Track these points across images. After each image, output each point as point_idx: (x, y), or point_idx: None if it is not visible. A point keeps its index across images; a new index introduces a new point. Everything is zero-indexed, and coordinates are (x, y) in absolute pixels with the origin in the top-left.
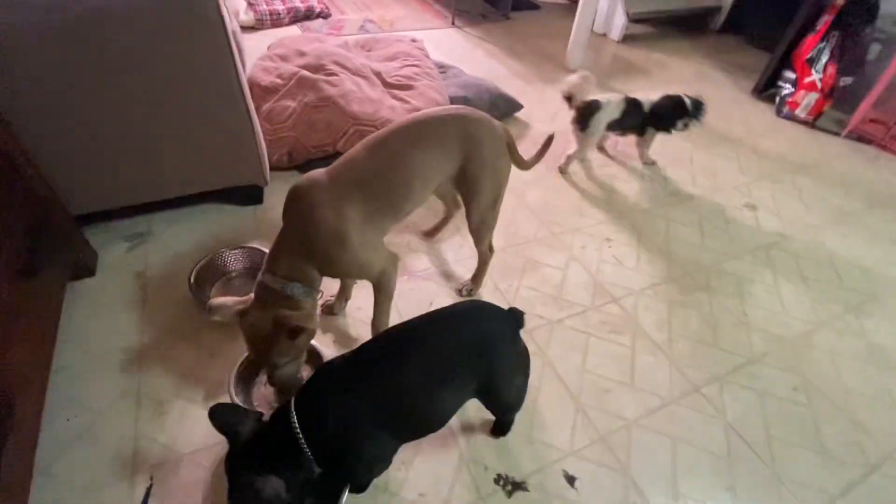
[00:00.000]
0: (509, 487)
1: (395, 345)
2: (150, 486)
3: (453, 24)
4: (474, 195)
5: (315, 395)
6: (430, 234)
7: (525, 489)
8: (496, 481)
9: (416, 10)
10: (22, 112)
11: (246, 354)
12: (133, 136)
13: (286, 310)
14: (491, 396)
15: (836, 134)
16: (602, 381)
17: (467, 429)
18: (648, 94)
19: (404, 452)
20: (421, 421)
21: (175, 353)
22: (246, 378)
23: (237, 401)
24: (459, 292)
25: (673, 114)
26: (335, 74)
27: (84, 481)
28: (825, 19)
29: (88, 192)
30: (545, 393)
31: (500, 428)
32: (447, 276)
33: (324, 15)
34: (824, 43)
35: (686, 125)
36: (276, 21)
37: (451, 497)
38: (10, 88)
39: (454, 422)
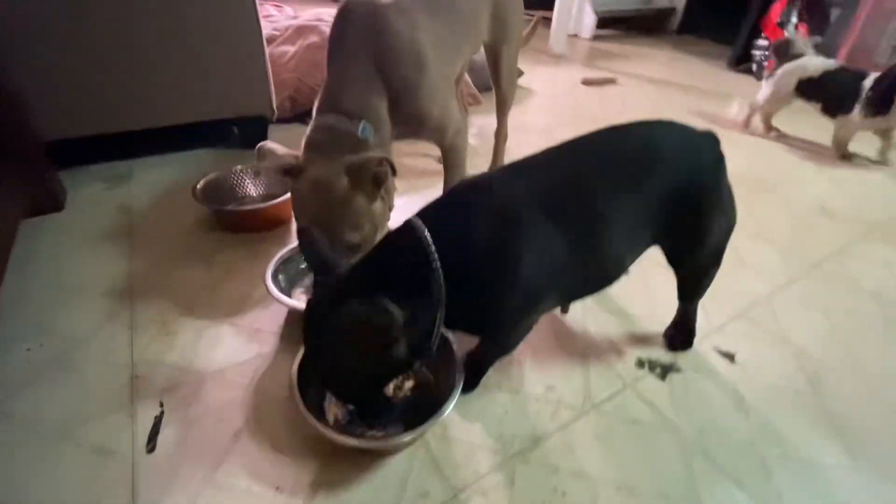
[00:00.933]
0: (658, 370)
1: (564, 147)
2: (161, 413)
3: None
4: (505, 36)
5: (457, 192)
6: None
7: (678, 370)
8: (639, 365)
9: None
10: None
11: (287, 249)
12: (130, 51)
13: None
14: (686, 233)
15: None
16: None
17: (578, 318)
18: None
19: None
20: (602, 243)
21: (180, 275)
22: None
23: (277, 293)
24: None
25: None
26: None
27: (56, 418)
28: None
29: (65, 112)
30: (656, 277)
31: (683, 324)
32: None
33: None
34: (790, 6)
35: None
36: None
37: (591, 386)
38: None
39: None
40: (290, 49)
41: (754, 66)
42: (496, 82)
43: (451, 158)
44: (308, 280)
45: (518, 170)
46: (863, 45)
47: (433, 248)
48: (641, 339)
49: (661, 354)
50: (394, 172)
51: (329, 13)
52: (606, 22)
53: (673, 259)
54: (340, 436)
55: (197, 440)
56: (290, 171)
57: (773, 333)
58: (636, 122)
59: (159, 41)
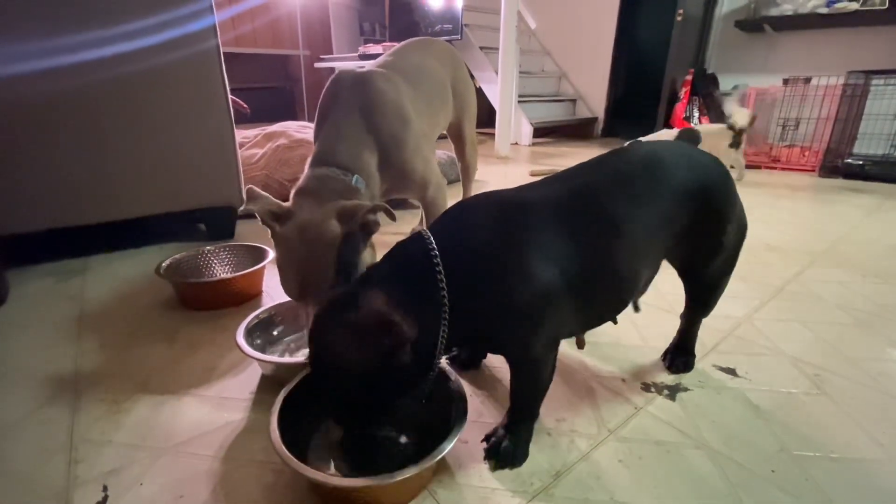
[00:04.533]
0: (666, 392)
1: (572, 169)
2: (104, 498)
3: None
4: (465, 110)
5: (465, 206)
6: None
7: (685, 389)
8: (646, 390)
9: None
10: None
11: (256, 313)
12: (91, 139)
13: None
14: (704, 239)
15: (731, 167)
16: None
17: (574, 355)
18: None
19: None
20: (616, 255)
21: (135, 354)
22: (260, 336)
23: (250, 352)
24: None
25: None
26: (301, 133)
27: None
28: (685, 90)
29: (12, 206)
30: (641, 314)
31: (683, 346)
32: None
33: None
34: (691, 105)
35: None
36: None
37: (602, 414)
38: None
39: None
40: (259, 151)
41: None
42: (461, 154)
43: (432, 213)
44: (283, 345)
45: (526, 186)
46: (757, 128)
47: (436, 252)
48: (641, 368)
49: (664, 377)
50: (392, 217)
51: (296, 124)
52: (541, 132)
53: (690, 270)
54: (334, 477)
55: None
56: (279, 216)
57: (764, 347)
58: (636, 143)
59: (122, 129)
